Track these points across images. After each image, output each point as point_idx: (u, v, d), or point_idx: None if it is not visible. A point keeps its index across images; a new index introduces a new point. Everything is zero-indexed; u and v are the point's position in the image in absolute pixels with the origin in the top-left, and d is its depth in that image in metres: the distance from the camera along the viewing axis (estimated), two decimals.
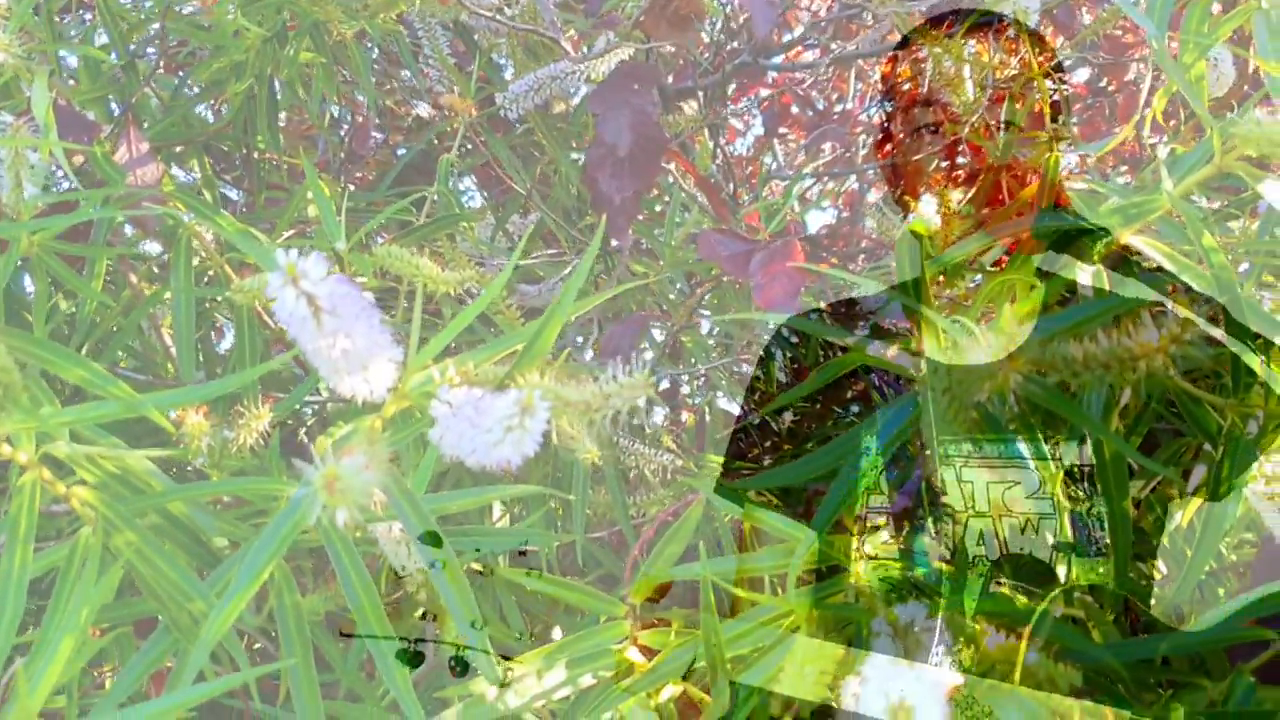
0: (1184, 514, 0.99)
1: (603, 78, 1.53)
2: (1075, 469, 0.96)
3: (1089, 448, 0.96)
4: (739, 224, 1.90)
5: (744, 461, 1.10)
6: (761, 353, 1.16)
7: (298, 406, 1.26)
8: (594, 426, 1.33)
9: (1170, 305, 0.96)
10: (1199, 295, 0.92)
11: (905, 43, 1.12)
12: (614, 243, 1.63)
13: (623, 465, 1.59)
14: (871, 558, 0.95)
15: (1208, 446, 0.95)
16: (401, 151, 2.02)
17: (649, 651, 0.99)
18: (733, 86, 2.78)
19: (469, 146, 1.79)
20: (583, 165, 1.46)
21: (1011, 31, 1.11)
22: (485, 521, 1.46)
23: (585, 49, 1.53)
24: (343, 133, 2.09)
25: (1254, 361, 0.92)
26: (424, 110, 2.02)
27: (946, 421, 0.69)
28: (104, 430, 1.04)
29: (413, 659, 0.73)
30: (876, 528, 0.98)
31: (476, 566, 1.23)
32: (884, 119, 1.12)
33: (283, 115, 2.11)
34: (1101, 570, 0.91)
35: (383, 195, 1.68)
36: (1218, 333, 0.93)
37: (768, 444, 1.08)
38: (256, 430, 1.17)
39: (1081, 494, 0.94)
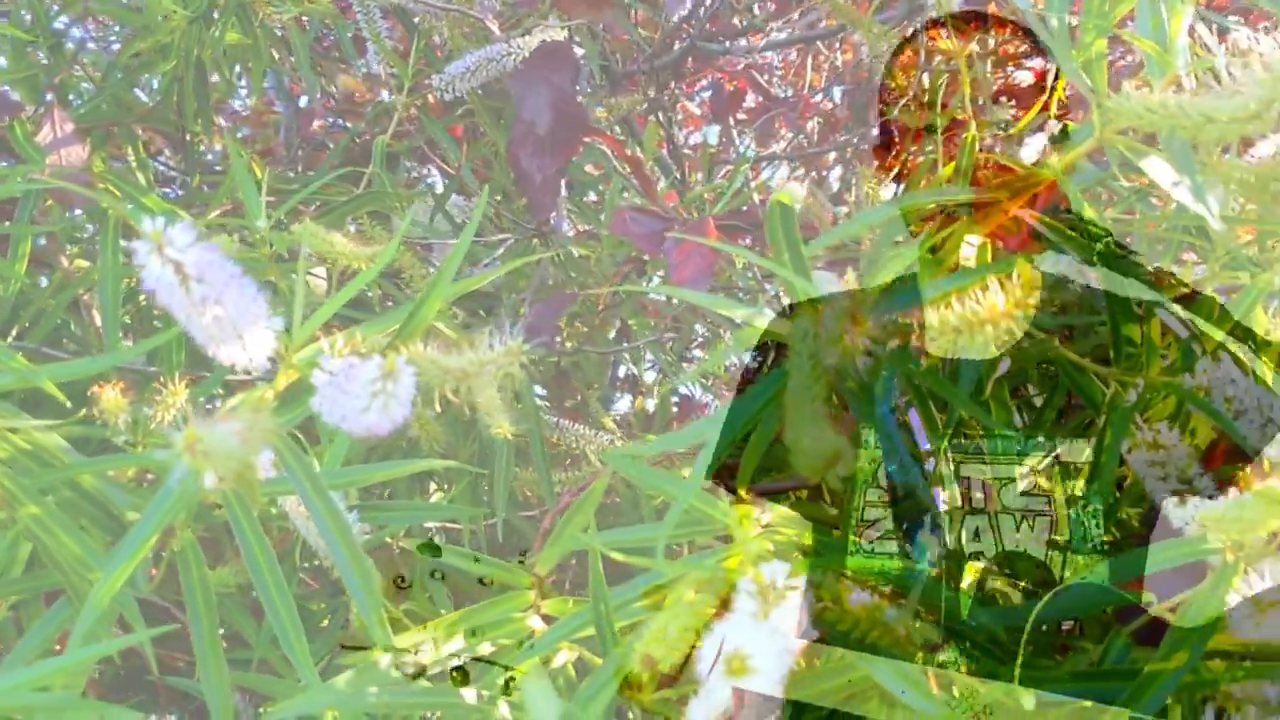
0: None
1: None
2: (1071, 465, 0.97)
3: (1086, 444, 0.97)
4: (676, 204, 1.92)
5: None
6: (754, 345, 1.17)
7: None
8: (513, 402, 1.34)
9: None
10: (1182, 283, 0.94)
11: (904, 45, 1.13)
12: (552, 222, 1.65)
13: (563, 445, 1.61)
14: (866, 552, 0.96)
15: None
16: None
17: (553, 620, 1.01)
18: (692, 72, 2.81)
19: (411, 129, 1.80)
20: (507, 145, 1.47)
21: (1008, 31, 1.11)
22: (417, 497, 1.48)
23: (515, 31, 1.54)
24: (290, 117, 2.10)
25: (1134, 331, 0.95)
26: (386, 95, 2.03)
27: (805, 387, 0.71)
28: (15, 407, 1.05)
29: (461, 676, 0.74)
30: (873, 522, 0.99)
31: (404, 543, 1.24)
32: (883, 121, 1.12)
33: (244, 101, 2.12)
34: (1098, 567, 0.92)
35: (322, 178, 1.69)
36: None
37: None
38: (175, 407, 1.18)
39: (1078, 490, 0.95)
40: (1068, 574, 0.95)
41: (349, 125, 1.89)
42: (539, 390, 1.74)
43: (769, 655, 0.62)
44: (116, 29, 1.70)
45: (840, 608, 0.76)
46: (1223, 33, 0.99)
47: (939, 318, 0.72)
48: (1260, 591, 0.78)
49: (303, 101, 2.13)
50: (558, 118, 1.36)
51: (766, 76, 2.85)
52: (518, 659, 0.91)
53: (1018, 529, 0.97)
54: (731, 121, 2.83)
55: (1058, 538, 0.97)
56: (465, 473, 1.28)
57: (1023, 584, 0.96)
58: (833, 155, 2.46)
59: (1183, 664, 0.79)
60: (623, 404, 2.53)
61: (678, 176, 2.32)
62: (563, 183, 1.61)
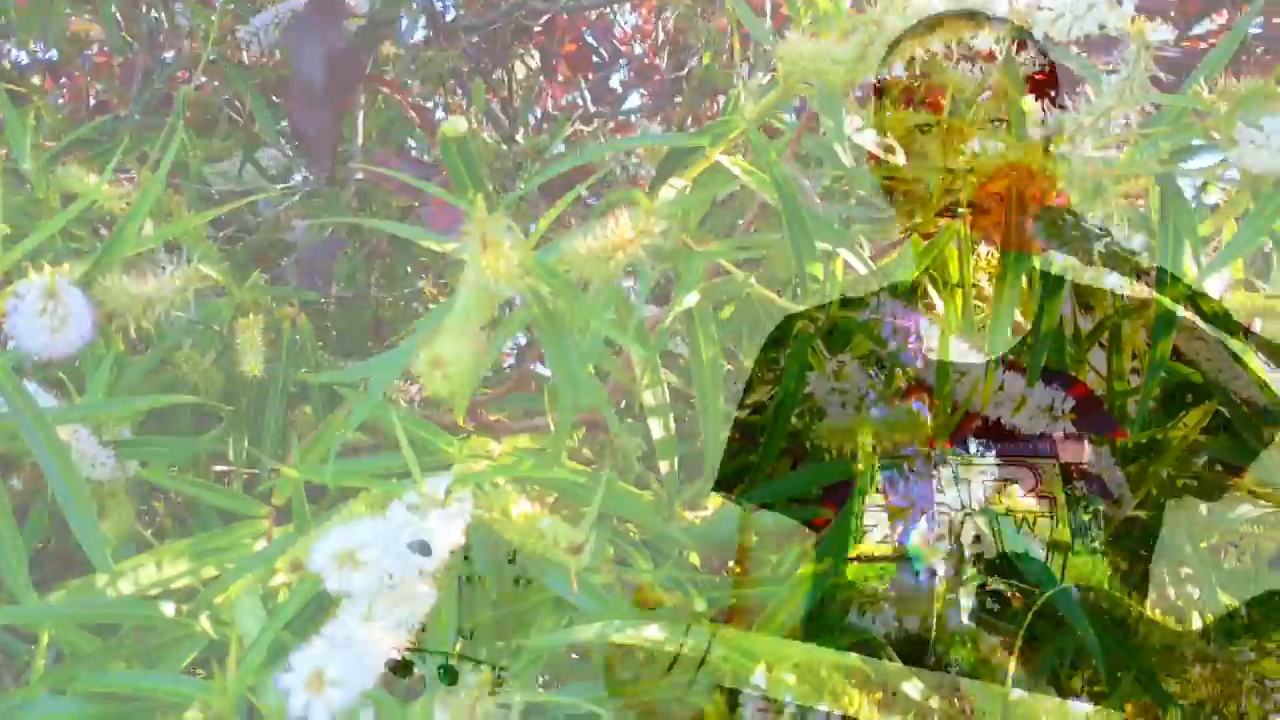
0: None
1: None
2: (1073, 466, 1.01)
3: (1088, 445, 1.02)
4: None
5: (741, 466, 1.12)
6: (759, 350, 1.19)
7: None
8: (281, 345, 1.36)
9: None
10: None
11: (897, 43, 1.15)
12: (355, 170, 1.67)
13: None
14: (866, 559, 0.99)
15: None
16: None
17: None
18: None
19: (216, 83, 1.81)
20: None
21: (1002, 30, 1.14)
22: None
23: None
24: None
25: (817, 269, 1.02)
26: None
27: None
28: None
29: (402, 668, 0.77)
30: (872, 528, 1.03)
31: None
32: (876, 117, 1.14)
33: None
34: (1099, 569, 0.96)
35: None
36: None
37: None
38: None
39: (1080, 492, 1.00)
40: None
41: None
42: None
43: (351, 671, 0.67)
44: None
45: (505, 518, 0.82)
46: None
47: (585, 247, 0.77)
48: None
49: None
50: (332, 71, 1.38)
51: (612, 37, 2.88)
52: (229, 577, 0.95)
53: (1018, 530, 1.01)
54: (583, 81, 2.86)
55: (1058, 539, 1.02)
56: (238, 412, 1.31)
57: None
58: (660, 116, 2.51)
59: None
60: None
61: (508, 132, 2.35)
62: (360, 129, 1.64)
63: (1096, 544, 0.95)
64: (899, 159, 1.05)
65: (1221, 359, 1.06)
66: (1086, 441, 0.97)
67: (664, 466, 1.05)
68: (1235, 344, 0.96)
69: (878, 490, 0.83)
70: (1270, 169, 0.88)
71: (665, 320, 0.96)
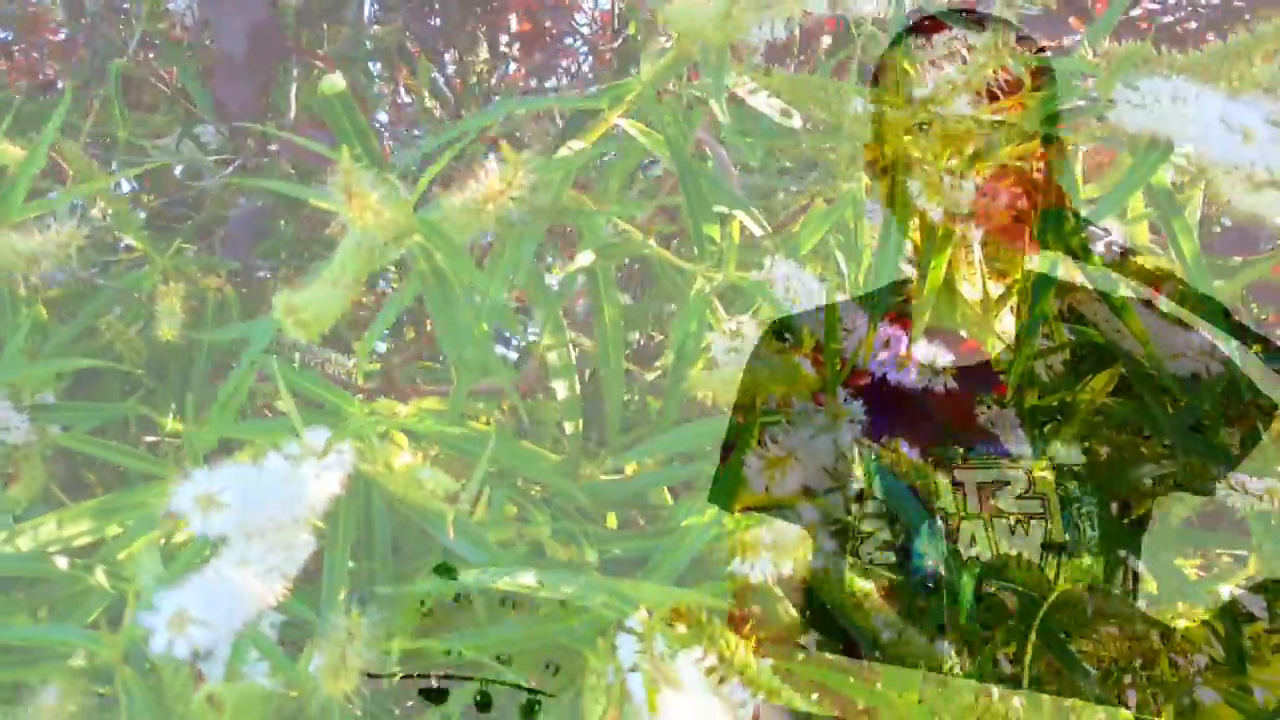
0: None
1: None
2: (1066, 468, 1.02)
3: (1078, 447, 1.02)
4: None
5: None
6: (752, 352, 1.20)
7: None
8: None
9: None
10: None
11: (896, 42, 1.16)
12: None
13: None
14: (865, 563, 1.00)
15: None
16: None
17: None
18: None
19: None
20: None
21: (1000, 29, 1.14)
22: None
23: None
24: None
25: (714, 231, 1.03)
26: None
27: None
28: None
29: (437, 696, 0.78)
30: (869, 533, 1.04)
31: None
32: (874, 118, 1.14)
33: None
34: (1092, 569, 0.96)
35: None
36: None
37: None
38: None
39: (1072, 493, 1.01)
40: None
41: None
42: None
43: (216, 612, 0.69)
44: None
45: (388, 469, 0.83)
46: None
47: (460, 201, 0.78)
48: None
49: None
50: (253, 43, 1.39)
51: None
52: (130, 533, 0.96)
53: (1012, 533, 1.02)
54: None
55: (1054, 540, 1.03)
56: (163, 379, 1.32)
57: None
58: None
59: None
60: None
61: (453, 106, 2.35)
62: (293, 99, 1.64)
63: (1089, 545, 0.96)
64: (795, 122, 1.07)
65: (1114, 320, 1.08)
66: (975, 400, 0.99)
67: (569, 427, 1.06)
68: (1115, 299, 0.98)
69: (759, 442, 0.85)
70: (1146, 128, 0.90)
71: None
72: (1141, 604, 1.00)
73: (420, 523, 0.86)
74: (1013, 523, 0.95)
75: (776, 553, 0.81)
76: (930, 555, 0.94)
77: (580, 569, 0.90)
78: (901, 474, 0.95)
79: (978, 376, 0.96)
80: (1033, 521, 0.95)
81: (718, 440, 0.95)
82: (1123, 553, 0.99)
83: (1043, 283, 0.98)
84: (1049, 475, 0.98)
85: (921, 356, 0.91)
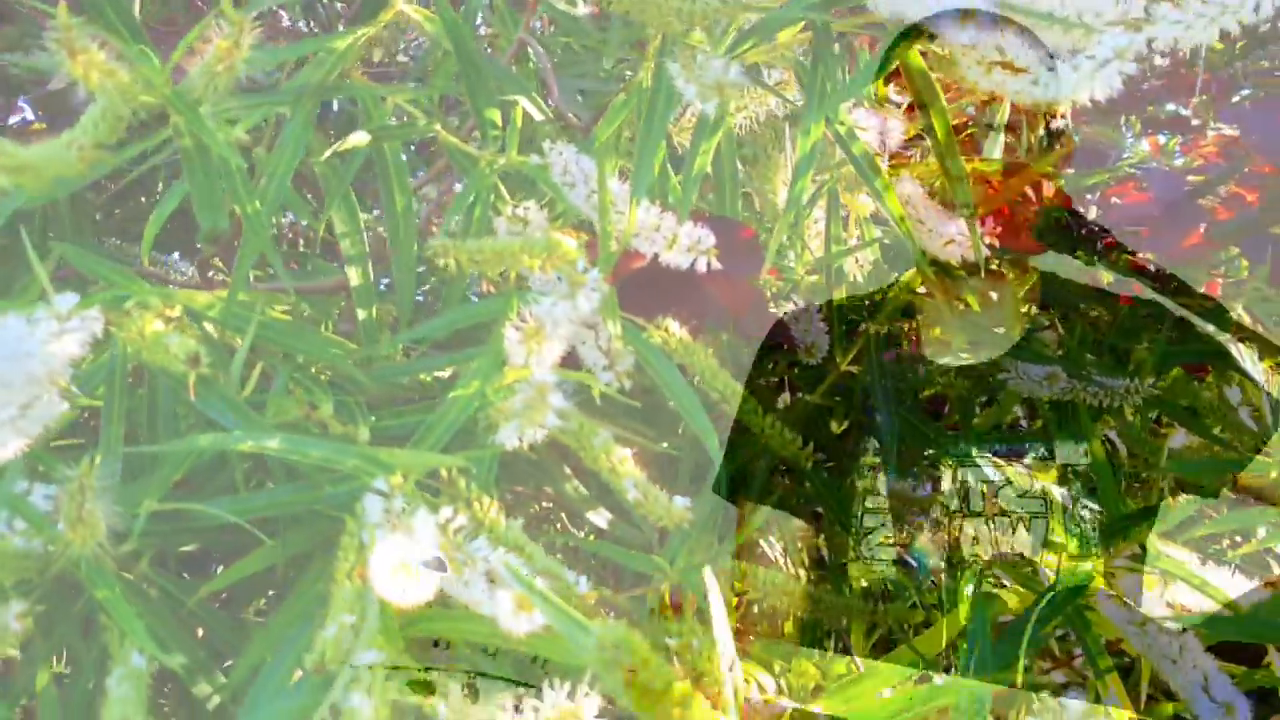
0: None
1: None
2: (1067, 467, 1.02)
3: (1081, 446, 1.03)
4: None
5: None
6: (759, 349, 1.20)
7: None
8: None
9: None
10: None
11: (898, 44, 1.14)
12: None
13: None
14: (867, 559, 1.00)
15: None
16: None
17: None
18: None
19: None
20: None
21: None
22: None
23: None
24: None
25: (495, 115, 1.05)
26: None
27: None
28: None
29: (423, 687, 0.77)
30: (872, 529, 1.04)
31: None
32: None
33: None
34: (1093, 568, 1.00)
35: None
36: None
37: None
38: None
39: (1073, 492, 1.01)
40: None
41: None
42: None
43: None
44: None
45: (140, 338, 0.84)
46: None
47: (192, 73, 0.79)
48: None
49: None
50: None
51: None
52: None
53: (1014, 531, 1.03)
54: None
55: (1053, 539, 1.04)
56: None
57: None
58: None
59: None
60: None
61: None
62: None
63: (1090, 544, 1.00)
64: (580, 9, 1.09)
65: None
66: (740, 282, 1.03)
67: (360, 314, 1.08)
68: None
69: (519, 317, 0.87)
70: (898, 13, 0.93)
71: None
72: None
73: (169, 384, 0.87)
74: (1014, 521, 0.99)
75: (524, 418, 0.84)
76: (930, 555, 0.98)
77: (351, 441, 0.92)
78: (671, 352, 0.98)
79: (740, 258, 0.99)
80: (1034, 521, 1.00)
81: (491, 319, 0.97)
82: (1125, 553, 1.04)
83: None
84: (1051, 474, 1.03)
85: (686, 236, 0.94)
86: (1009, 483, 1.06)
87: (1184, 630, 1.03)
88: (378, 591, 0.70)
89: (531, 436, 0.86)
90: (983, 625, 0.96)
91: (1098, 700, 1.04)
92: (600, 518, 1.19)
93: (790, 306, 1.23)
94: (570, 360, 1.00)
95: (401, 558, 0.69)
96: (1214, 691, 1.01)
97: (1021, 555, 1.09)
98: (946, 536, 1.05)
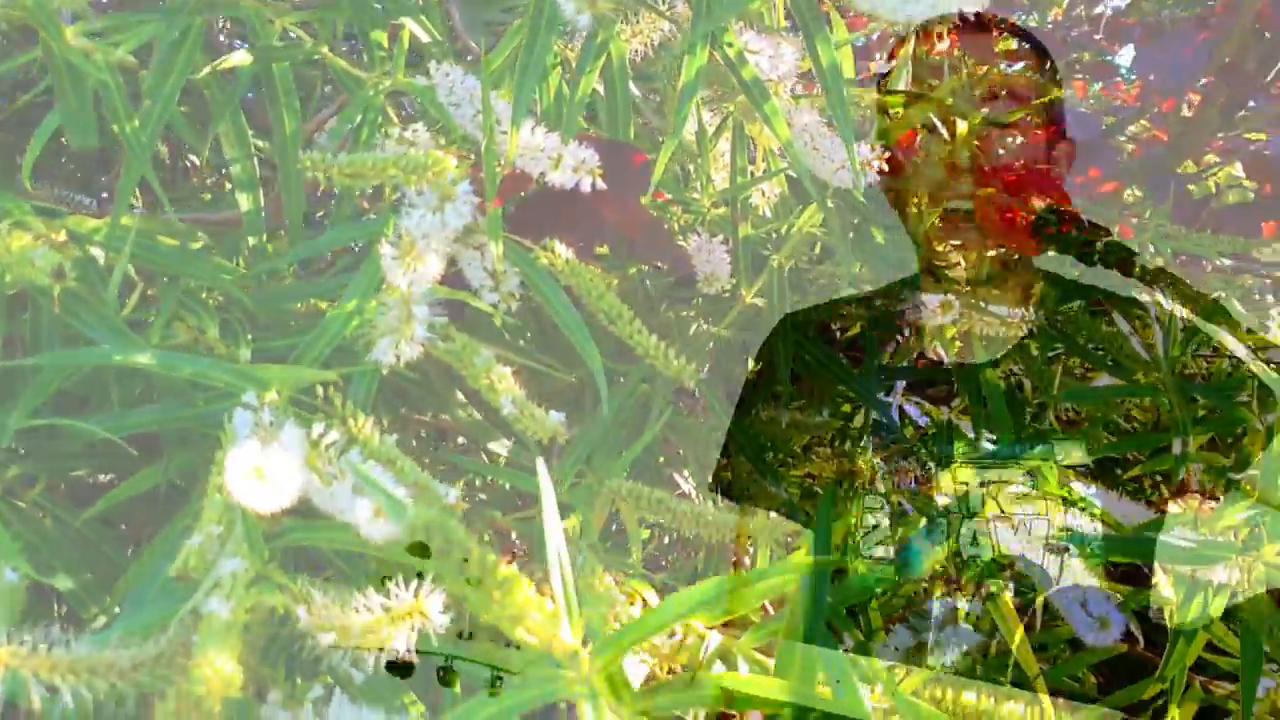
0: None
1: None
2: (1071, 468, 1.02)
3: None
4: None
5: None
6: (760, 348, 1.20)
7: None
8: None
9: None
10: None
11: (900, 44, 1.12)
12: None
13: None
14: (868, 559, 0.99)
15: None
16: None
17: None
18: None
19: None
20: None
21: (1005, 32, 1.12)
22: None
23: None
24: None
25: (382, 37, 1.04)
26: None
27: None
28: None
29: (402, 670, 0.75)
30: (873, 528, 1.02)
31: None
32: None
33: None
34: (1096, 570, 0.98)
35: None
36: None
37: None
38: None
39: (1077, 493, 1.00)
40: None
41: None
42: None
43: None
44: None
45: (9, 253, 0.84)
46: None
47: None
48: None
49: None
50: None
51: None
52: None
53: (1015, 532, 1.02)
54: None
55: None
56: None
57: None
58: None
59: None
60: None
61: None
62: None
63: (1093, 545, 0.99)
64: None
65: None
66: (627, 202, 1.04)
67: (251, 240, 1.07)
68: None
69: (394, 232, 0.87)
70: None
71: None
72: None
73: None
74: (1016, 523, 0.99)
75: (395, 334, 0.84)
76: (930, 554, 0.99)
77: (232, 361, 0.92)
78: (558, 273, 0.98)
79: (623, 177, 1.00)
80: (1035, 522, 1.00)
81: (373, 239, 0.97)
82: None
83: None
84: (1053, 475, 1.02)
85: (570, 157, 0.94)
86: (1010, 483, 1.06)
87: (1066, 549, 1.05)
88: (234, 497, 0.70)
89: (407, 354, 0.86)
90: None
91: (992, 627, 1.06)
92: (501, 447, 1.20)
93: (695, 239, 1.23)
94: (459, 281, 1.00)
95: (254, 464, 0.69)
96: (1090, 607, 1.03)
97: (917, 480, 1.10)
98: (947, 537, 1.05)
